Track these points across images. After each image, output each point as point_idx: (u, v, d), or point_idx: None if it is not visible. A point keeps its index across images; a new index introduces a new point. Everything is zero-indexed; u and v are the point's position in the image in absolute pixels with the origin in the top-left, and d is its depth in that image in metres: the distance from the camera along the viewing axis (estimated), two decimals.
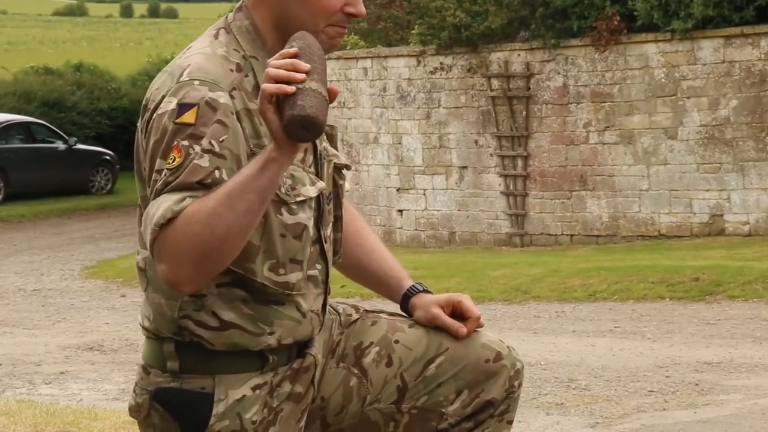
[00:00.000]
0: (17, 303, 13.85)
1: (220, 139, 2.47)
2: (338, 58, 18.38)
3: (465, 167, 16.91)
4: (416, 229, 17.48)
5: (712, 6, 14.46)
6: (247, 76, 2.60)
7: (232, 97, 2.53)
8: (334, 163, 2.81)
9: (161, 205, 2.42)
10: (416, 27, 17.86)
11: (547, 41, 15.96)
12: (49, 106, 30.03)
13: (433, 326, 2.85)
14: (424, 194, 17.31)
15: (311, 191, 2.66)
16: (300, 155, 2.63)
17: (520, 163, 16.36)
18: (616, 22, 15.25)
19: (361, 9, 2.65)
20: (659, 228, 15.26)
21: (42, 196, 25.74)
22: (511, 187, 16.46)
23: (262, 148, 2.51)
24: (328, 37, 2.65)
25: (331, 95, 2.45)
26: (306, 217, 2.64)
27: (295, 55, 2.41)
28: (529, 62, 16.23)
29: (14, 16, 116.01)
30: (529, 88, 16.21)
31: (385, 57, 17.86)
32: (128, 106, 31.41)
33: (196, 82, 2.50)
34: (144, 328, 2.70)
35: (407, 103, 17.43)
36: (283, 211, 2.60)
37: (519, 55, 16.35)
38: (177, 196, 2.42)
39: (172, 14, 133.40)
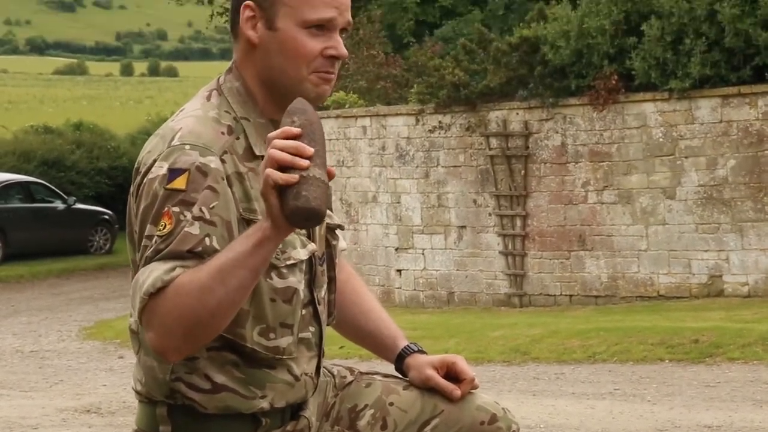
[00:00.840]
0: (15, 365, 13.77)
1: (211, 206, 2.46)
2: (337, 116, 18.42)
3: (464, 226, 16.90)
4: (415, 289, 17.43)
5: (710, 66, 14.52)
6: (238, 138, 2.59)
7: (223, 161, 2.52)
8: (327, 223, 2.80)
9: (151, 274, 2.41)
10: (415, 86, 17.93)
11: (545, 100, 16.00)
12: (48, 165, 30.09)
13: (428, 388, 2.85)
14: (423, 254, 17.29)
15: (302, 254, 2.65)
16: None
17: (518, 222, 16.35)
18: (614, 82, 15.30)
19: (342, 50, 2.65)
20: (658, 288, 15.21)
21: (41, 255, 25.71)
22: (510, 246, 16.43)
23: (252, 212, 2.53)
24: (312, 85, 2.64)
25: (330, 177, 2.44)
26: (296, 280, 2.63)
27: (297, 136, 2.39)
28: (528, 121, 16.26)
29: (15, 75, 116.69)
30: (527, 147, 16.23)
31: (384, 116, 17.90)
32: (127, 165, 31.43)
33: (187, 147, 2.50)
34: (136, 392, 2.72)
35: (406, 161, 17.44)
36: (273, 275, 2.59)
37: (517, 113, 16.39)
38: (167, 265, 2.41)
39: (172, 73, 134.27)
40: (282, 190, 2.35)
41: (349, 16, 2.66)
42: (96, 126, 36.18)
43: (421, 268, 17.34)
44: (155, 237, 2.44)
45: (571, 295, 15.92)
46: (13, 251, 25.33)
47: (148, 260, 2.44)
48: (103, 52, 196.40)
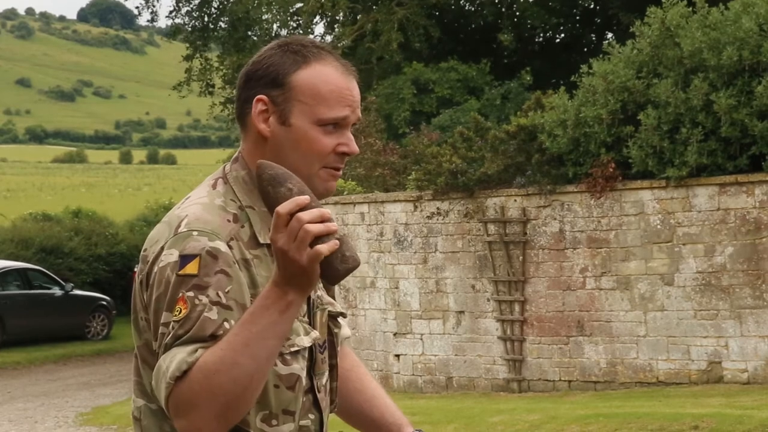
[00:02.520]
0: None
1: (226, 290, 2.48)
2: (335, 203, 18.50)
3: (462, 312, 16.90)
4: (413, 374, 17.39)
5: (706, 155, 14.63)
6: (243, 226, 2.61)
7: (230, 247, 2.54)
8: (329, 311, 2.82)
9: (174, 358, 2.41)
10: (413, 173, 18.04)
11: (543, 187, 16.09)
12: (46, 252, 30.13)
13: None
14: (421, 339, 17.27)
15: (305, 341, 2.66)
16: None
17: (517, 308, 16.36)
18: (611, 169, 15.40)
19: (354, 147, 2.69)
20: (657, 374, 15.19)
21: (38, 341, 25.67)
22: (509, 332, 16.43)
23: None
24: (321, 181, 2.67)
25: None
26: (299, 367, 2.64)
27: (308, 204, 2.43)
28: (526, 207, 16.34)
29: (14, 164, 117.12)
30: (525, 233, 16.29)
31: (382, 202, 17.98)
32: (125, 252, 31.53)
33: (195, 233, 2.51)
34: None
35: (404, 247, 17.49)
36: (278, 361, 2.58)
37: (515, 200, 16.48)
38: (189, 347, 2.42)
39: (171, 160, 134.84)
40: (324, 259, 2.41)
41: (359, 113, 2.72)
42: (94, 213, 36.27)
43: (420, 353, 17.31)
44: (172, 323, 2.45)
45: (570, 381, 15.88)
46: (11, 337, 25.29)
47: (168, 347, 2.45)
48: (102, 140, 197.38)
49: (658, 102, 15.15)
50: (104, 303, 27.88)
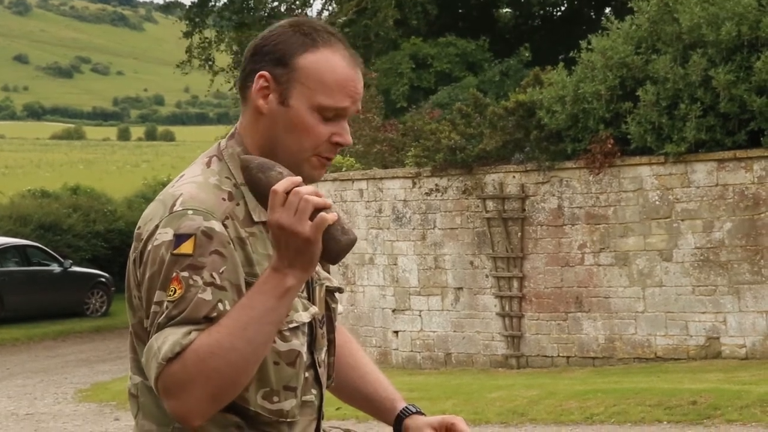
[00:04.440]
0: (9, 428, 13.70)
1: (220, 271, 2.47)
2: (334, 179, 18.49)
3: (460, 288, 16.91)
4: (412, 351, 17.41)
5: (705, 130, 14.61)
6: (238, 204, 2.60)
7: (225, 226, 2.53)
8: (326, 286, 2.82)
9: (167, 339, 2.41)
10: (411, 149, 18.01)
11: (541, 163, 16.08)
12: (45, 228, 30.12)
13: None
14: (420, 315, 17.28)
15: (304, 317, 2.66)
16: None
17: (515, 284, 16.36)
18: (610, 145, 15.38)
19: (349, 139, 2.67)
20: (655, 350, 15.21)
21: (37, 318, 25.69)
22: (507, 308, 16.44)
23: (255, 276, 2.53)
24: (311, 167, 2.66)
25: None
26: (299, 343, 2.63)
27: (301, 183, 2.45)
28: (524, 184, 16.33)
29: (12, 141, 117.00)
30: (524, 210, 16.28)
31: (381, 179, 17.97)
32: (124, 228, 31.51)
33: (190, 212, 2.50)
34: None
35: (403, 224, 17.49)
36: (276, 338, 2.58)
37: (514, 177, 16.46)
38: (183, 329, 2.41)
39: (169, 137, 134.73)
40: (326, 231, 2.42)
41: (359, 105, 2.70)
42: (93, 190, 36.25)
43: (418, 329, 17.33)
44: (165, 302, 2.45)
45: (568, 357, 15.91)
46: (9, 314, 25.31)
47: (161, 326, 2.44)
48: (100, 117, 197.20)
49: (656, 78, 15.13)
50: (103, 279, 27.89)
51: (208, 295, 2.44)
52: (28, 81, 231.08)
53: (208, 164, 2.67)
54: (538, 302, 16.20)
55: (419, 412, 2.94)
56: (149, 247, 2.51)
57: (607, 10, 28.78)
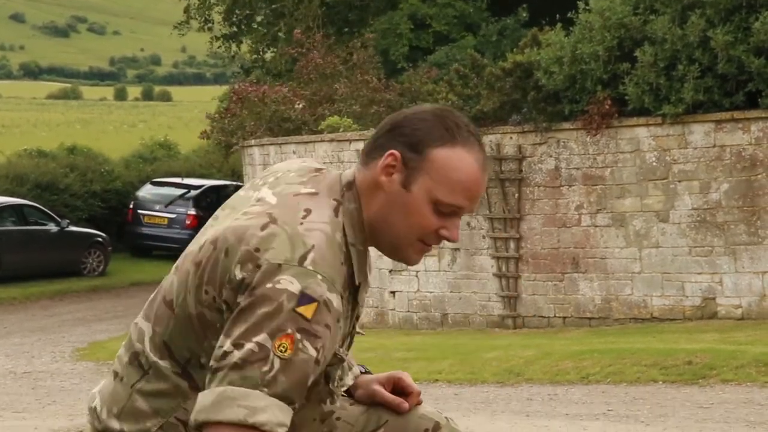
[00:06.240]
0: (7, 386, 13.74)
1: (326, 346, 2.53)
2: (331, 140, 18.47)
3: (457, 249, 16.93)
4: (408, 311, 17.45)
5: (703, 91, 14.59)
6: (348, 267, 2.65)
7: (341, 297, 2.57)
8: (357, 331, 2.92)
9: (270, 408, 2.45)
10: None
11: (539, 124, 16.06)
12: (41, 188, 30.07)
13: (374, 403, 2.93)
14: (417, 276, 17.31)
15: (349, 381, 2.83)
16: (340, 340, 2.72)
17: (512, 244, 16.38)
18: (607, 106, 15.36)
19: (456, 235, 2.71)
20: (652, 311, 15.25)
21: (34, 278, 25.68)
22: (504, 269, 16.47)
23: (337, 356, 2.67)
24: (413, 251, 2.71)
25: None
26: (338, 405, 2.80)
27: None
28: (521, 145, 16.32)
29: (8, 100, 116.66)
30: (521, 171, 16.28)
31: None
32: (121, 188, 31.47)
33: (319, 277, 2.52)
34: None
35: None
36: (327, 401, 2.73)
37: (511, 138, 16.45)
38: (287, 418, 2.47)
39: (166, 97, 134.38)
40: None
41: (476, 207, 2.72)
42: (90, 150, 36.16)
43: (415, 290, 17.36)
44: (272, 355, 2.46)
45: (564, 317, 15.95)
46: (7, 273, 25.31)
47: (260, 378, 2.46)
48: (96, 76, 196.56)
49: (654, 38, 15.09)
50: (100, 239, 27.87)
51: (312, 367, 2.50)
52: (24, 40, 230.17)
53: (336, 212, 2.68)
54: (535, 263, 16.23)
55: (366, 372, 3.01)
56: (269, 285, 2.50)
57: None
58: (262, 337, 2.46)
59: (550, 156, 16.05)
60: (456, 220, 2.69)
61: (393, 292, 17.63)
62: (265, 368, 2.44)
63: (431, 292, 17.20)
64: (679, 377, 10.95)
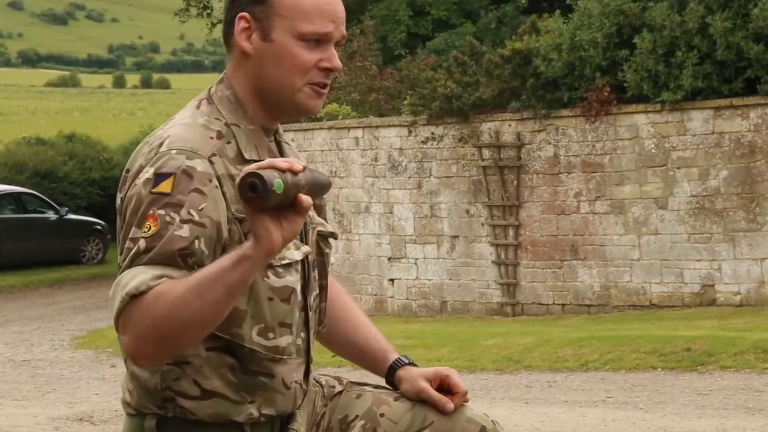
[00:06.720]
0: (6, 374, 13.76)
1: (199, 208, 2.46)
2: (330, 128, 18.46)
3: (456, 236, 16.93)
4: (408, 299, 17.46)
5: (702, 78, 14.58)
6: (229, 142, 2.61)
7: (211, 162, 2.53)
8: (319, 230, 2.81)
9: (137, 276, 2.39)
10: (407, 97, 17.96)
11: (537, 112, 16.05)
12: (40, 176, 30.08)
13: (419, 400, 2.85)
14: (416, 263, 17.31)
15: (296, 255, 2.65)
16: None
17: (511, 232, 16.38)
18: (606, 93, 15.34)
19: (337, 63, 2.66)
20: (651, 298, 15.26)
21: (33, 266, 25.70)
22: (503, 256, 16.47)
23: (243, 212, 2.49)
24: (306, 97, 2.65)
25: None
26: (293, 280, 2.64)
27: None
28: (520, 132, 16.31)
29: (7, 88, 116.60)
30: (520, 158, 16.27)
31: (377, 127, 17.94)
32: (119, 176, 31.37)
33: (174, 152, 2.50)
34: (126, 403, 2.68)
35: (399, 172, 17.48)
36: (270, 274, 2.58)
37: (510, 125, 16.44)
38: (156, 271, 2.40)
39: (165, 85, 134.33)
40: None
41: (344, 30, 2.67)
42: (88, 137, 36.17)
43: (414, 277, 17.36)
44: (140, 239, 2.44)
45: (563, 304, 15.96)
46: (6, 261, 25.32)
47: (132, 261, 2.43)
48: (95, 64, 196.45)
49: (653, 25, 15.07)
50: (99, 227, 27.88)
51: (185, 231, 2.43)
52: (22, 28, 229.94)
53: (198, 106, 2.67)
54: (534, 250, 16.23)
55: (412, 364, 2.94)
56: (131, 189, 2.51)
57: None
58: (132, 232, 2.46)
59: (549, 143, 16.04)
60: (330, 48, 2.65)
61: (392, 280, 17.64)
62: (134, 250, 2.43)
63: (430, 280, 17.21)
64: (678, 364, 10.96)
